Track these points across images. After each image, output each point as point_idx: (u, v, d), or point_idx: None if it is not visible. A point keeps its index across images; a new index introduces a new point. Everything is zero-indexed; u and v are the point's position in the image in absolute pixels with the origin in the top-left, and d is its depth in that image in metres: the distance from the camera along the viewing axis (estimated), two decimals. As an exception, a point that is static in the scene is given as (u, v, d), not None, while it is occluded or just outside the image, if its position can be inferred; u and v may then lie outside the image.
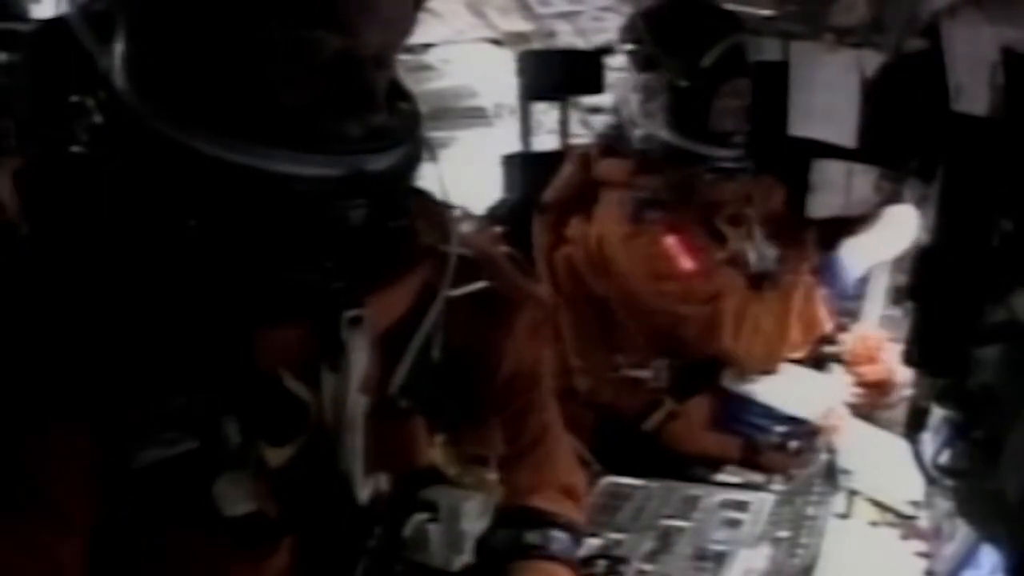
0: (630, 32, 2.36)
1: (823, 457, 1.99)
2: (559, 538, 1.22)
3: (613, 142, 2.43)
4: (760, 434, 2.20)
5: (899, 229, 2.37)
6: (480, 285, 1.11)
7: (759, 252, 2.44)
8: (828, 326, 2.31)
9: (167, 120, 0.84)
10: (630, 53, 2.34)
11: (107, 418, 0.83)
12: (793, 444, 2.15)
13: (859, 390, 2.35)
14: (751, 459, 2.19)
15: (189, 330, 0.86)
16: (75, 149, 0.89)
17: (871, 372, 2.40)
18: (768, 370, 2.29)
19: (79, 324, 0.83)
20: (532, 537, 1.20)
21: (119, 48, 0.87)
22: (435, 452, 1.03)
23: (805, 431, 2.17)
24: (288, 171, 0.84)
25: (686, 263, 2.23)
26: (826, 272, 2.34)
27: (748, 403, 2.25)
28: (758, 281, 2.40)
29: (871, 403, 2.33)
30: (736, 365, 2.28)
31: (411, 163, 0.95)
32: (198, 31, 0.85)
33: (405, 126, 0.95)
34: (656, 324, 2.31)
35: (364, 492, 0.95)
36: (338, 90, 0.86)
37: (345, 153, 0.87)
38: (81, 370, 0.82)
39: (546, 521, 1.23)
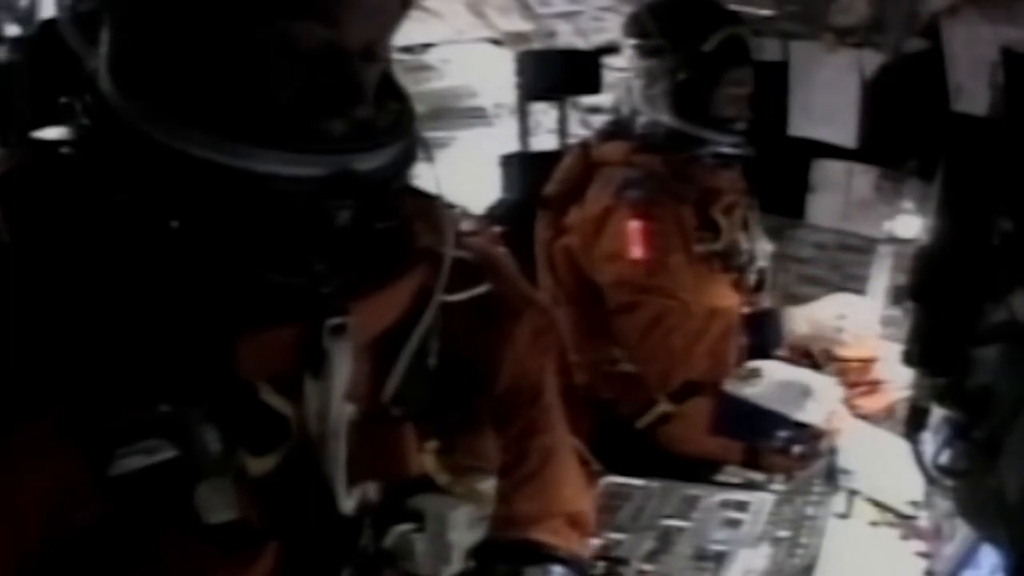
0: (634, 26, 2.39)
1: (823, 457, 1.99)
2: (560, 573, 1.18)
3: (614, 131, 2.46)
4: (762, 439, 2.20)
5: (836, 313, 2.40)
6: (481, 290, 1.09)
7: (753, 245, 2.45)
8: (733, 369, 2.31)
9: (149, 119, 0.83)
10: (634, 46, 2.36)
11: (85, 425, 0.82)
12: (796, 449, 2.15)
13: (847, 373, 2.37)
14: (753, 462, 2.19)
15: (169, 336, 0.85)
16: (63, 151, 0.89)
17: (857, 351, 2.42)
18: (658, 389, 2.29)
19: (58, 331, 0.82)
20: (532, 573, 1.16)
21: (104, 47, 0.86)
22: (427, 460, 1.01)
23: (808, 435, 2.16)
24: (272, 170, 0.83)
25: (635, 251, 2.24)
26: (759, 322, 2.36)
27: (749, 408, 2.24)
28: (746, 275, 2.42)
29: (860, 394, 2.35)
30: (638, 365, 2.29)
31: (401, 163, 0.92)
32: (181, 26, 0.84)
33: (396, 125, 0.93)
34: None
35: (348, 501, 0.93)
36: (324, 83, 0.85)
37: (331, 152, 0.85)
38: (59, 377, 0.81)
39: (548, 556, 1.18)
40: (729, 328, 2.29)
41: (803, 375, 2.34)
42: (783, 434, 2.17)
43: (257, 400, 0.89)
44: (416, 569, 0.97)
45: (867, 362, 2.40)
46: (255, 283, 0.88)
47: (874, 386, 2.37)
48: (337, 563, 0.94)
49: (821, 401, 2.23)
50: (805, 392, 2.26)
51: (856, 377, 2.39)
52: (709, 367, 2.27)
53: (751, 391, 2.26)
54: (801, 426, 2.18)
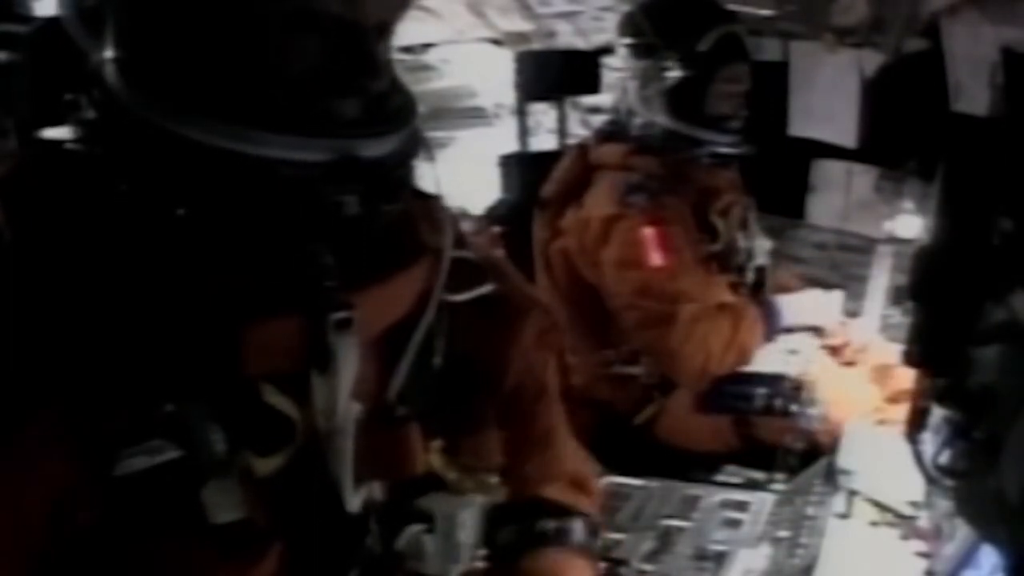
0: (628, 25, 2.38)
1: (823, 457, 1.99)
2: (577, 529, 1.17)
3: (611, 132, 2.46)
4: (743, 403, 2.21)
5: (825, 306, 2.45)
6: (485, 289, 1.09)
7: (751, 243, 2.45)
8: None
9: (157, 107, 0.83)
10: (628, 46, 2.36)
11: (87, 426, 0.82)
12: (778, 403, 2.16)
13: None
14: (746, 436, 2.20)
15: (174, 335, 0.84)
16: (68, 147, 0.88)
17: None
18: (692, 388, 2.29)
19: (60, 330, 0.82)
20: (547, 525, 1.16)
21: (109, 38, 0.86)
22: (432, 458, 1.01)
23: (787, 388, 2.18)
24: (278, 155, 0.82)
25: (655, 258, 2.22)
26: (762, 312, 2.37)
27: (726, 376, 2.25)
28: (744, 273, 2.43)
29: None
30: (668, 370, 2.28)
31: (406, 151, 0.92)
32: (194, 6, 0.83)
33: (401, 113, 0.92)
34: (614, 309, 2.32)
35: (355, 501, 0.94)
36: (341, 56, 0.84)
37: (339, 137, 0.85)
38: (61, 376, 0.81)
39: (561, 511, 1.18)
40: (754, 322, 2.30)
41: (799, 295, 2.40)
42: (762, 391, 2.18)
43: (261, 401, 0.89)
44: (425, 570, 0.97)
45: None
46: (260, 276, 0.88)
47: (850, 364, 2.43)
48: (343, 563, 0.94)
49: (795, 353, 2.28)
50: (777, 347, 2.30)
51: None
52: (735, 361, 2.27)
53: None
54: (778, 379, 2.19)
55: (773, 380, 2.21)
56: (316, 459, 0.91)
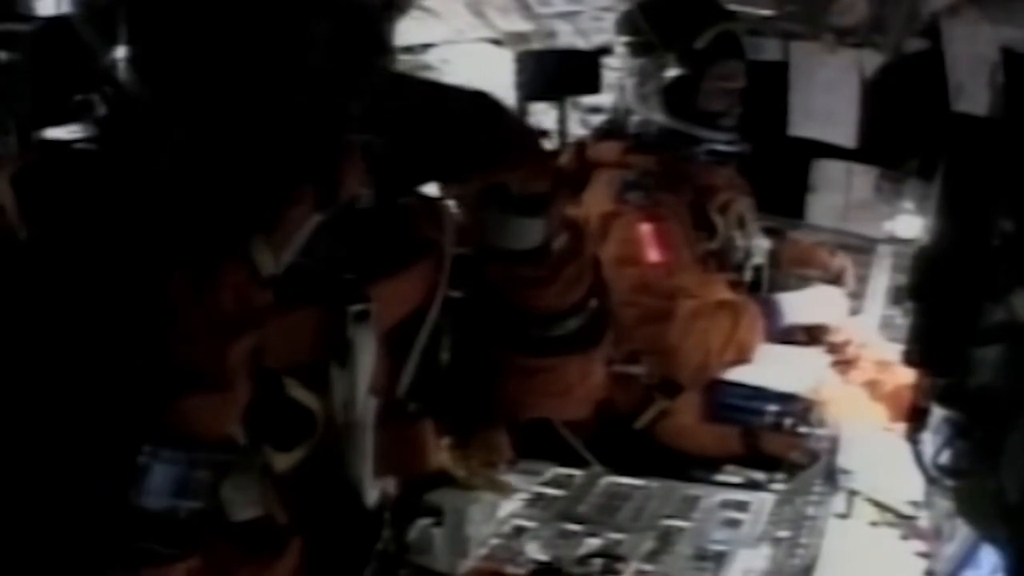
0: (626, 23, 2.39)
1: (823, 457, 1.99)
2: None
3: (609, 129, 2.46)
4: (754, 418, 2.20)
5: (829, 303, 2.45)
6: None
7: (749, 242, 2.45)
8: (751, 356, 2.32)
9: (172, 104, 0.83)
10: (626, 44, 2.36)
11: (112, 420, 0.81)
12: (788, 422, 2.16)
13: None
14: (752, 446, 2.19)
15: (191, 331, 0.84)
16: (76, 147, 0.88)
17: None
18: (691, 385, 2.28)
19: (81, 328, 0.81)
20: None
21: (123, 37, 0.85)
22: (443, 454, 1.02)
23: (798, 408, 2.18)
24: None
25: (652, 254, 2.22)
26: (764, 310, 2.36)
27: (737, 388, 2.25)
28: (742, 272, 2.42)
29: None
30: (667, 367, 2.27)
31: (417, 143, 0.92)
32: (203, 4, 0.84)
33: (409, 106, 0.92)
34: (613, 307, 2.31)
35: (373, 495, 0.94)
36: (352, 55, 0.85)
37: (350, 131, 0.85)
38: (86, 373, 0.81)
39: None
40: (754, 319, 2.29)
41: (787, 351, 2.36)
42: (773, 408, 2.17)
43: (283, 394, 0.89)
44: (433, 563, 0.98)
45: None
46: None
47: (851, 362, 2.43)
48: (360, 558, 0.95)
49: (807, 371, 2.26)
50: (790, 365, 2.29)
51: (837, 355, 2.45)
52: (735, 359, 2.27)
53: (737, 373, 2.27)
54: (791, 398, 2.18)
55: (785, 398, 2.20)
56: (335, 454, 0.92)
